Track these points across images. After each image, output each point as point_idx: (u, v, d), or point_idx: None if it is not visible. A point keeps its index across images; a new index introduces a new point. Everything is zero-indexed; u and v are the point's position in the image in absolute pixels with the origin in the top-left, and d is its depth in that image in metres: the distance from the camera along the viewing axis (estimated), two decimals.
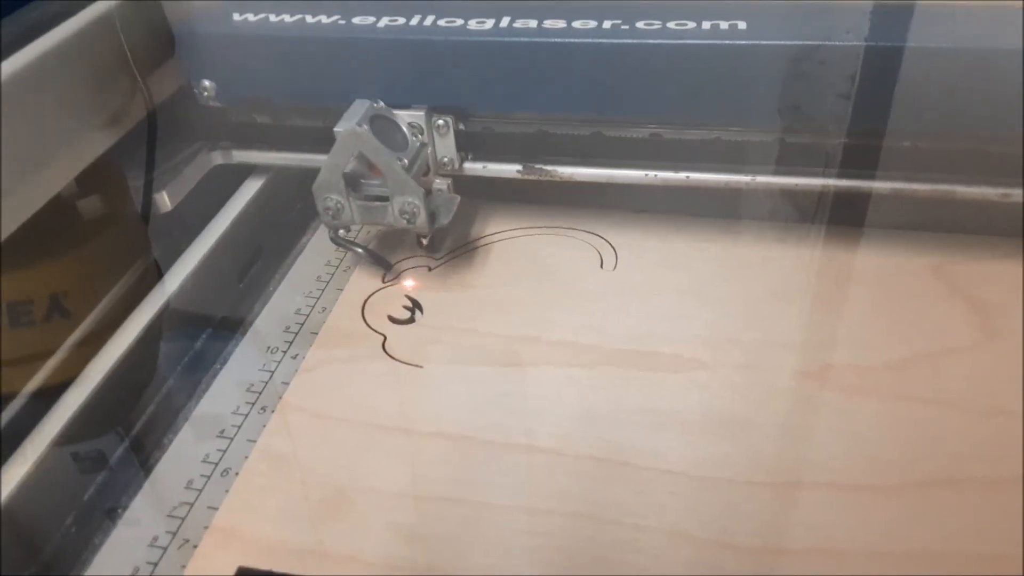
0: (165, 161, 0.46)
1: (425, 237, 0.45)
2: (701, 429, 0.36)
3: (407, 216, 0.42)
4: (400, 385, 0.39)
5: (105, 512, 0.35)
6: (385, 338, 0.42)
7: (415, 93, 0.43)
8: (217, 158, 0.48)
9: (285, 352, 0.42)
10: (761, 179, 0.42)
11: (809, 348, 0.39)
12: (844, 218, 0.46)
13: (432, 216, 0.43)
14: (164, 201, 0.45)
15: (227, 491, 0.35)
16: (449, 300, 0.44)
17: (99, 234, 0.45)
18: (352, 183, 0.42)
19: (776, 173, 0.42)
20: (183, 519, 0.34)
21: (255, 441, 0.37)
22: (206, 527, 0.34)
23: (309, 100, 0.45)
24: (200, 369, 0.42)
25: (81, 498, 0.36)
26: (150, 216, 0.45)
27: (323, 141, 0.42)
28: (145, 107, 0.44)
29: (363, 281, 0.46)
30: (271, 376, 0.41)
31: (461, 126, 0.44)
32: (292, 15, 0.45)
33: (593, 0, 0.43)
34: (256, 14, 0.45)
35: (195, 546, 0.33)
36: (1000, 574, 0.30)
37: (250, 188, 0.50)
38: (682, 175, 0.43)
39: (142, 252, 0.46)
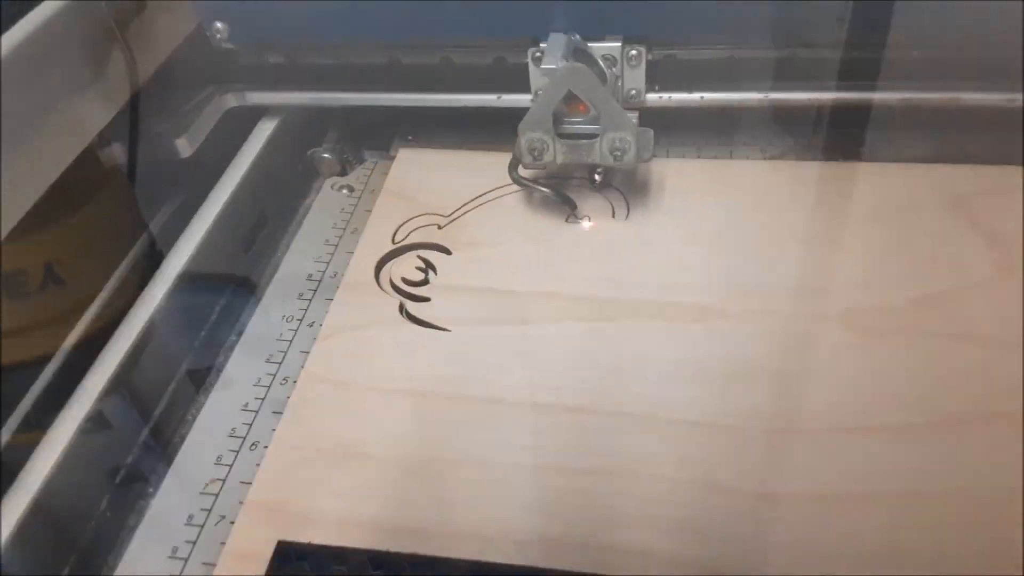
0: (176, 107, 0.45)
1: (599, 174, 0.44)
2: (727, 378, 0.36)
3: (618, 152, 0.40)
4: (422, 348, 0.39)
5: (136, 491, 0.35)
6: (402, 302, 0.41)
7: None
8: (230, 100, 0.48)
9: (301, 320, 0.41)
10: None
11: (830, 291, 0.39)
12: (854, 149, 0.45)
13: (637, 151, 0.41)
14: (184, 146, 0.45)
15: (258, 465, 0.35)
16: (463, 259, 0.43)
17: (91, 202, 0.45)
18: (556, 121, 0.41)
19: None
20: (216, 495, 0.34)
21: (280, 413, 0.37)
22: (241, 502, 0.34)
23: (329, 37, 0.45)
24: (216, 343, 0.41)
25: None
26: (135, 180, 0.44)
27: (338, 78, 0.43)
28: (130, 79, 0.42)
29: (373, 242, 0.45)
30: (289, 345, 0.40)
31: (649, 56, 0.42)
32: None
33: None
34: None
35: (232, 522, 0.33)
36: None
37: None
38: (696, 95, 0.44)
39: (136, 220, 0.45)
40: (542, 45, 0.42)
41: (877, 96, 0.43)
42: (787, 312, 0.38)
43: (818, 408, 0.34)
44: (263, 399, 0.38)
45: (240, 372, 0.39)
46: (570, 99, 0.40)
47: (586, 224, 0.44)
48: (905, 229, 0.41)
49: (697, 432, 0.34)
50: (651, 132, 0.42)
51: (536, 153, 0.41)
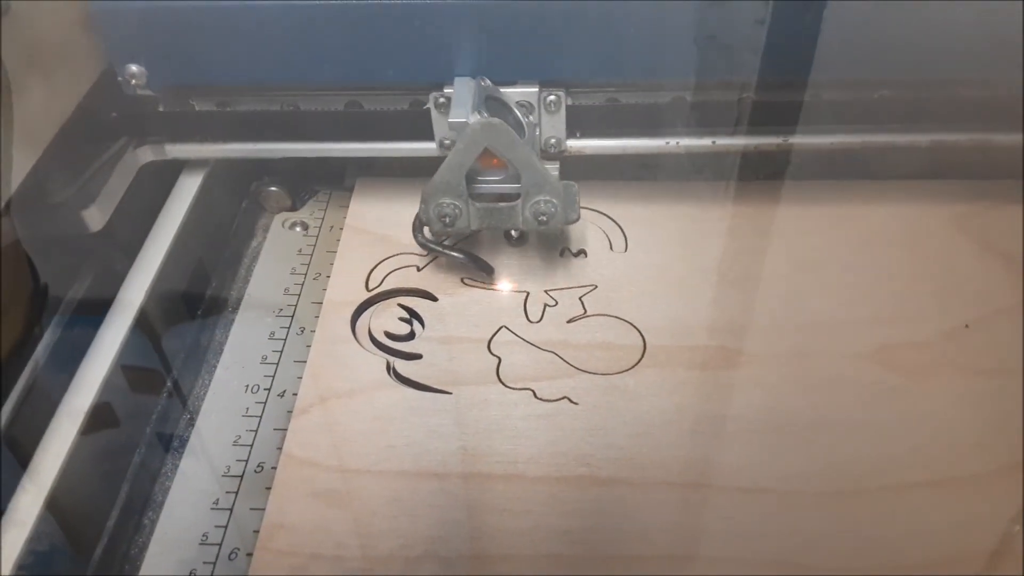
0: (86, 166, 0.37)
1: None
2: (772, 435, 0.32)
3: (543, 217, 0.35)
4: (420, 416, 0.34)
5: None
6: (389, 361, 0.36)
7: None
8: (146, 155, 0.40)
9: (269, 390, 0.35)
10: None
11: (859, 326, 0.36)
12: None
13: (564, 213, 0.36)
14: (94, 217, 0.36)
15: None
16: (453, 305, 0.38)
17: None
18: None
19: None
20: None
21: (261, 509, 0.31)
22: None
23: (270, 80, 0.38)
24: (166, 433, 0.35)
25: None
26: None
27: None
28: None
29: (343, 290, 0.39)
30: (259, 422, 0.34)
31: (569, 100, 0.38)
32: None
33: None
34: None
35: None
36: None
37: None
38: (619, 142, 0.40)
39: None
40: (447, 90, 0.37)
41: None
42: (818, 353, 0.35)
43: (874, 463, 0.31)
44: (236, 492, 0.32)
45: (202, 464, 0.33)
46: (484, 153, 0.34)
47: (581, 257, 0.40)
48: (918, 254, 0.39)
49: (754, 501, 0.30)
50: (575, 187, 0.36)
51: (447, 220, 0.36)
